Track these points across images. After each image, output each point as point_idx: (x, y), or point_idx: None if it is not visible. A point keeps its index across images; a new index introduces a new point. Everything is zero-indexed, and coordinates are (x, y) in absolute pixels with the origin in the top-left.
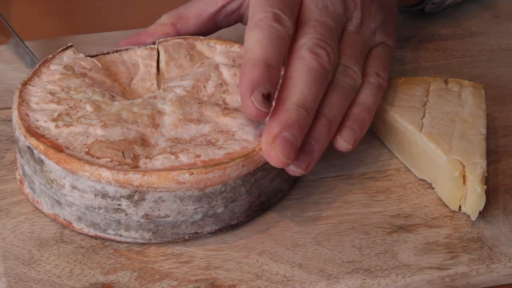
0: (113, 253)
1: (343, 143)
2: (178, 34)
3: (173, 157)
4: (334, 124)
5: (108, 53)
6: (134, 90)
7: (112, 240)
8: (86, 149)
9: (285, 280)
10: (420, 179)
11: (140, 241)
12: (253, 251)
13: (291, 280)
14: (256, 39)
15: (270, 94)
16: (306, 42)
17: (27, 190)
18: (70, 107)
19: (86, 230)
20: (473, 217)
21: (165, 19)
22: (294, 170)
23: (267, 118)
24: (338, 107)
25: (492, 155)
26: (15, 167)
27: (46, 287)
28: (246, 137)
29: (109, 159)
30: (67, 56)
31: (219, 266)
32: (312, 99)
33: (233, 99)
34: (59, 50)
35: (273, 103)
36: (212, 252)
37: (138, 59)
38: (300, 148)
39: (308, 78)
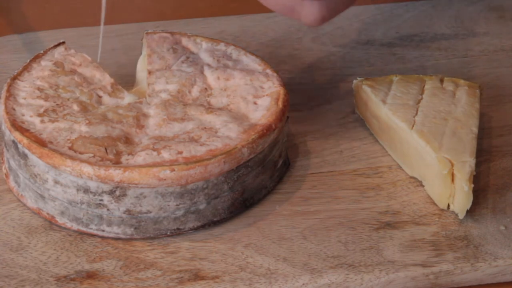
0: (100, 241)
1: None
2: None
3: (155, 153)
4: None
5: None
6: None
7: (95, 235)
8: (70, 144)
9: (269, 273)
10: (411, 177)
11: (122, 236)
12: (239, 244)
13: (275, 273)
14: None
15: None
16: None
17: (12, 184)
18: (57, 104)
19: (69, 224)
20: (461, 216)
21: None
22: None
23: None
24: None
25: (485, 154)
26: (2, 161)
27: (32, 274)
28: (229, 134)
29: (92, 155)
30: (59, 53)
31: (204, 258)
32: None
33: (218, 101)
34: (51, 46)
35: None
36: (198, 244)
37: None
38: None
39: None
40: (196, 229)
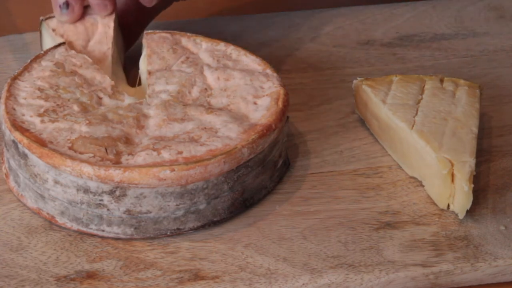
0: (100, 241)
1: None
2: None
3: (155, 153)
4: None
5: None
6: (90, 52)
7: (95, 235)
8: (70, 144)
9: (269, 273)
10: (411, 177)
11: (122, 236)
12: (239, 244)
13: (275, 273)
14: None
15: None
16: None
17: (12, 184)
18: (58, 104)
19: (69, 224)
20: (461, 216)
21: None
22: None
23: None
24: None
25: (485, 154)
26: (2, 161)
27: (32, 274)
28: (229, 134)
29: (92, 155)
30: (59, 53)
31: (204, 258)
32: None
33: (218, 101)
34: (52, 46)
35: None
36: (198, 244)
37: (97, 18)
38: None
39: None
40: (196, 229)
